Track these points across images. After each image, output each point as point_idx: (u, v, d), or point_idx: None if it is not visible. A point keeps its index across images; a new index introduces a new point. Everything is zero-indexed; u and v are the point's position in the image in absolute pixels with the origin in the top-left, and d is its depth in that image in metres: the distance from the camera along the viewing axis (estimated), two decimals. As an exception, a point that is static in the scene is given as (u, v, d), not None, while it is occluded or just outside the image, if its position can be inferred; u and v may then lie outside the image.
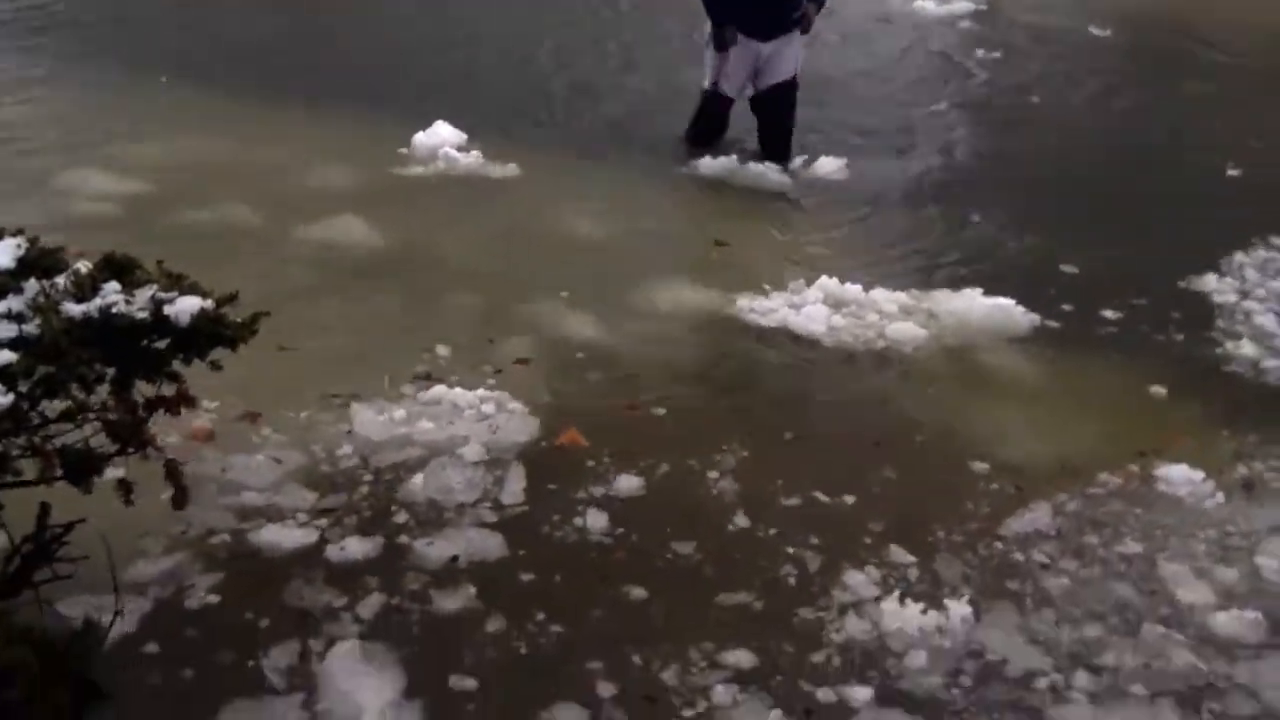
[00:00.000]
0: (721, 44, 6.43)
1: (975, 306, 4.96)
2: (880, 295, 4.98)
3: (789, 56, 6.55)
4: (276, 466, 3.66)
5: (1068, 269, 5.50)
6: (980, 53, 9.06)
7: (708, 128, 6.69)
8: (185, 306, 2.62)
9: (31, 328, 2.52)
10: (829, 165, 6.51)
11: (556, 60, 8.31)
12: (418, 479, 3.65)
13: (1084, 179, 6.84)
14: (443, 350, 4.43)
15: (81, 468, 2.59)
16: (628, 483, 3.71)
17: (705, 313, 4.96)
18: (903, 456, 3.99)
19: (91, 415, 2.61)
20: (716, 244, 5.58)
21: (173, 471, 2.77)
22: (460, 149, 6.33)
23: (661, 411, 4.17)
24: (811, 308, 4.83)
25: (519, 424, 3.98)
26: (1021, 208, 6.25)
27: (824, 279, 5.02)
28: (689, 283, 5.16)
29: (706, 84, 6.63)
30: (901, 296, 5.00)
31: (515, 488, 3.67)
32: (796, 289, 5.03)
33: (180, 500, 2.81)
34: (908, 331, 4.76)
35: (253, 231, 5.37)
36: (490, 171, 6.21)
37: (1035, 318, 4.96)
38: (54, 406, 2.56)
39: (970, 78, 8.67)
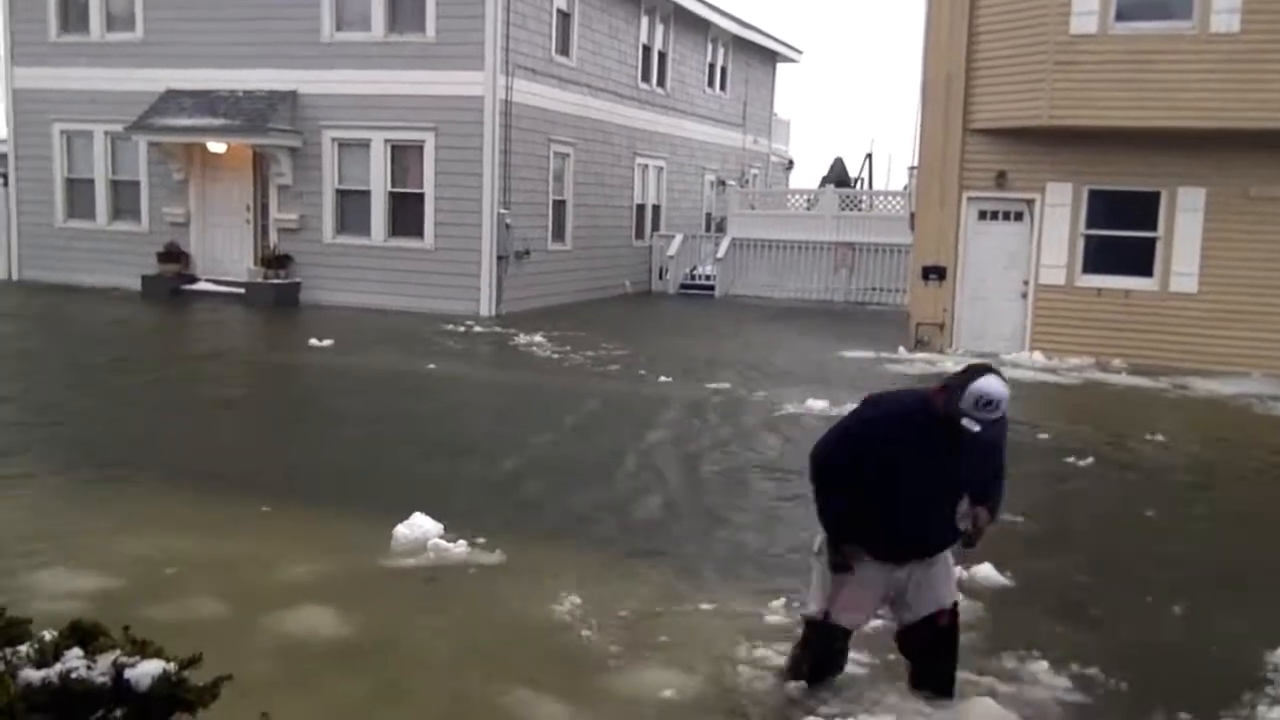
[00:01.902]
0: (841, 565, 4.65)
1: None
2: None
3: (941, 578, 4.72)
4: None
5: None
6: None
7: (821, 665, 4.85)
8: (146, 670, 2.57)
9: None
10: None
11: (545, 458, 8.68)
12: None
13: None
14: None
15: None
16: None
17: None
18: None
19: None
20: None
21: None
22: (445, 538, 6.42)
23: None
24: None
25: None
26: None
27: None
28: (673, 673, 4.98)
29: (812, 608, 4.81)
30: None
31: None
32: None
33: None
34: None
35: (219, 624, 5.29)
36: (479, 559, 6.25)
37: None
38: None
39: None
